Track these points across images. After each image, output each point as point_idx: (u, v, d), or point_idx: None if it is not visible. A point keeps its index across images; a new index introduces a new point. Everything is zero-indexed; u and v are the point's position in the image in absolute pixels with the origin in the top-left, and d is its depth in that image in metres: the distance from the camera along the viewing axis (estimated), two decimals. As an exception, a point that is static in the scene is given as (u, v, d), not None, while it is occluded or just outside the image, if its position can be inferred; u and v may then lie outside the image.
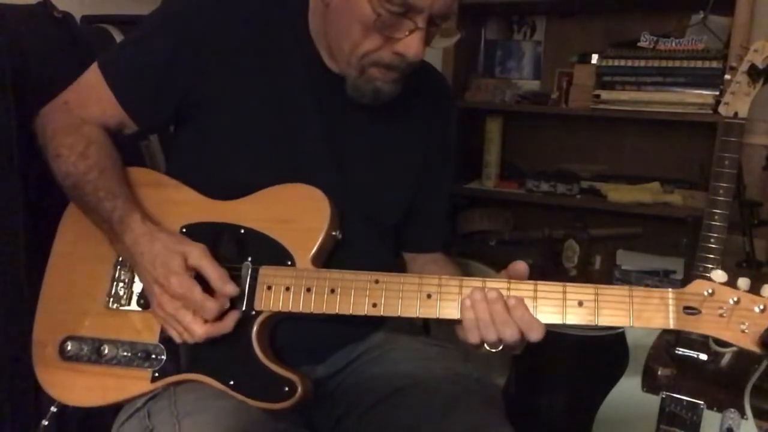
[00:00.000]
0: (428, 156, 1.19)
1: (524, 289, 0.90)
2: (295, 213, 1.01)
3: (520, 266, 0.93)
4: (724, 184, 1.45)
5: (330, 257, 1.03)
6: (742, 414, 1.45)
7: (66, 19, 1.34)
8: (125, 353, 1.01)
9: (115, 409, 1.05)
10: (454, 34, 1.04)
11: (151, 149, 1.44)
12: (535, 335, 0.89)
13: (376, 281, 0.95)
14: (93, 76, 1.08)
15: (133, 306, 1.03)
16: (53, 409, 1.04)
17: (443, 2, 0.95)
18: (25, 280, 1.10)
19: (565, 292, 0.89)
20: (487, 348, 0.92)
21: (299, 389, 0.96)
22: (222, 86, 1.05)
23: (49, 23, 1.31)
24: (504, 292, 0.90)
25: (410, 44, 0.96)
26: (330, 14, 1.01)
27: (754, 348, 0.82)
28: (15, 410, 1.14)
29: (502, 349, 0.92)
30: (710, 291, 0.84)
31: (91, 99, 1.08)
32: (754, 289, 0.84)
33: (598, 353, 1.90)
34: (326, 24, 1.03)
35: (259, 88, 1.06)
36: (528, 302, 0.89)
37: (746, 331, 0.83)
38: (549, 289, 0.90)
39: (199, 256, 0.95)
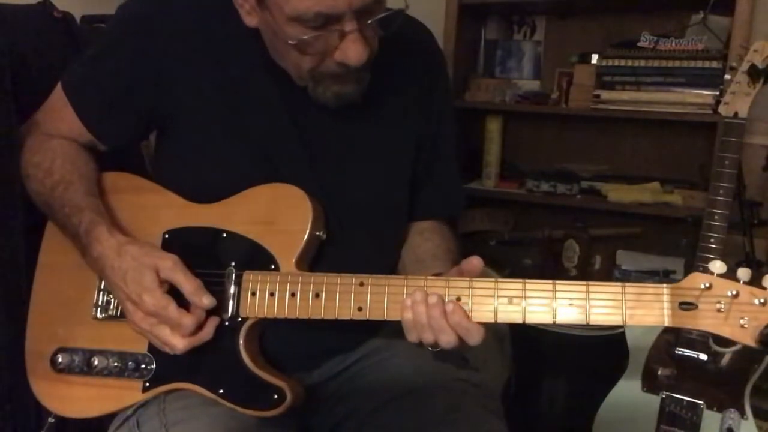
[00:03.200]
0: (420, 133, 1.12)
1: (513, 288, 0.86)
2: (277, 214, 0.98)
3: (474, 261, 0.90)
4: (724, 184, 1.46)
5: (315, 257, 1.00)
6: (742, 414, 1.45)
7: (66, 19, 1.34)
8: (115, 364, 1.00)
9: (113, 416, 1.04)
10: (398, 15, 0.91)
11: (150, 149, 1.43)
12: (474, 340, 0.86)
13: (361, 284, 0.91)
14: (58, 96, 1.07)
15: (120, 316, 1.00)
16: (51, 420, 1.03)
17: None
18: (25, 286, 1.10)
19: (554, 291, 0.85)
20: (428, 348, 0.91)
21: (288, 396, 0.95)
22: (186, 94, 1.02)
23: (49, 23, 1.31)
24: (491, 291, 0.86)
25: (347, 52, 0.89)
26: (263, 33, 0.98)
27: (753, 344, 0.77)
28: (16, 418, 1.13)
29: (442, 350, 0.90)
30: (707, 284, 0.79)
31: (58, 119, 1.07)
32: (756, 281, 0.78)
33: (598, 353, 1.90)
34: (266, 40, 0.99)
35: (223, 92, 1.02)
36: (516, 301, 0.85)
37: (746, 326, 0.77)
38: (537, 287, 0.85)
39: (171, 268, 0.92)
